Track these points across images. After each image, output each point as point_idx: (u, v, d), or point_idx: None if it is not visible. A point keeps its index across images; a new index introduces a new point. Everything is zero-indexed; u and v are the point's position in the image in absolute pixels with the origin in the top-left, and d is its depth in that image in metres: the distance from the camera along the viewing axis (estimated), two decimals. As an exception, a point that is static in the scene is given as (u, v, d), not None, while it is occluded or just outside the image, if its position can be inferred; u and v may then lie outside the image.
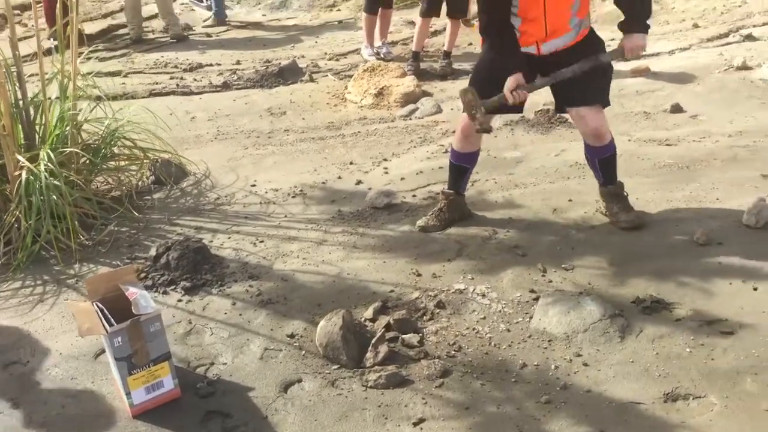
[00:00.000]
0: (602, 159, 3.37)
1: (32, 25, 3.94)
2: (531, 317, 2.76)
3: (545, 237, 3.37)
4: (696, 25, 7.22)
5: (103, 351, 2.62)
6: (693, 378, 2.40)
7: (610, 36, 7.14)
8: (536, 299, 2.85)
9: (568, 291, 2.90)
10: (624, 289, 2.92)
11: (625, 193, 3.45)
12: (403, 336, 2.66)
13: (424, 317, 2.82)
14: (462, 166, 3.51)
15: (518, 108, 3.33)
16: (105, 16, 9.08)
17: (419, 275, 3.11)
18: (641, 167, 4.05)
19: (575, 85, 3.14)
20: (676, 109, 4.96)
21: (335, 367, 2.55)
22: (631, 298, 2.84)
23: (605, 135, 3.27)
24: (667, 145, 4.38)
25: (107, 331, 2.24)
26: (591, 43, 3.17)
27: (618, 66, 6.12)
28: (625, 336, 2.63)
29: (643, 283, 2.94)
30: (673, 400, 2.32)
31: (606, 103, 3.23)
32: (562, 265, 3.11)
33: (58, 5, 3.79)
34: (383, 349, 2.56)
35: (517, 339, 2.66)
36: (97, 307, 2.37)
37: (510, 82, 3.05)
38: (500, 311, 2.83)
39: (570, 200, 3.70)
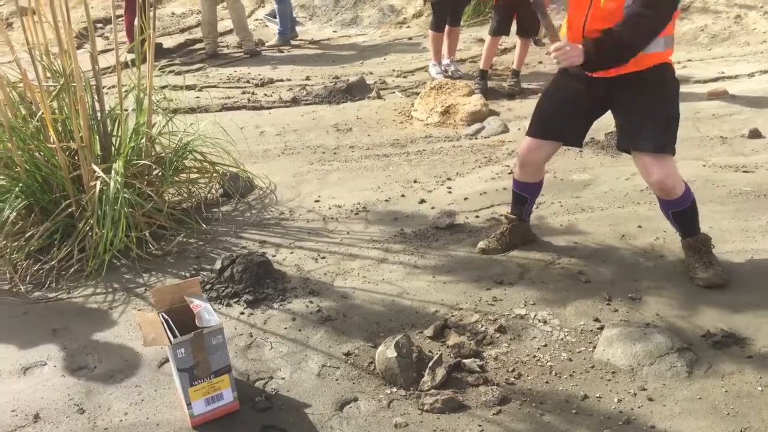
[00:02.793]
0: (676, 212, 3.02)
1: (112, 39, 4.08)
2: (594, 347, 2.69)
3: (611, 264, 3.28)
4: (778, 47, 6.97)
5: (167, 360, 2.69)
6: (764, 418, 2.29)
7: (686, 56, 7.01)
8: (600, 329, 2.78)
9: (634, 321, 2.81)
10: (693, 322, 2.81)
11: (712, 246, 3.13)
12: (464, 360, 2.63)
13: (484, 341, 2.78)
14: (521, 194, 3.39)
15: (578, 142, 3.17)
16: (182, 30, 9.40)
17: (480, 298, 3.07)
18: (716, 194, 3.91)
19: (635, 123, 2.86)
20: (755, 134, 4.78)
21: (392, 388, 2.54)
22: (700, 332, 2.74)
23: (674, 189, 2.88)
24: (744, 171, 4.22)
25: (171, 342, 2.29)
26: (657, 81, 2.84)
27: (694, 88, 5.98)
28: (693, 371, 2.53)
29: (714, 317, 2.83)
30: (743, 441, 2.23)
31: (672, 151, 2.87)
32: (629, 295, 3.02)
33: (136, 21, 3.95)
34: (440, 372, 2.53)
35: (579, 369, 2.60)
36: (163, 317, 2.43)
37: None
38: (562, 339, 2.77)
39: (639, 226, 3.60)
